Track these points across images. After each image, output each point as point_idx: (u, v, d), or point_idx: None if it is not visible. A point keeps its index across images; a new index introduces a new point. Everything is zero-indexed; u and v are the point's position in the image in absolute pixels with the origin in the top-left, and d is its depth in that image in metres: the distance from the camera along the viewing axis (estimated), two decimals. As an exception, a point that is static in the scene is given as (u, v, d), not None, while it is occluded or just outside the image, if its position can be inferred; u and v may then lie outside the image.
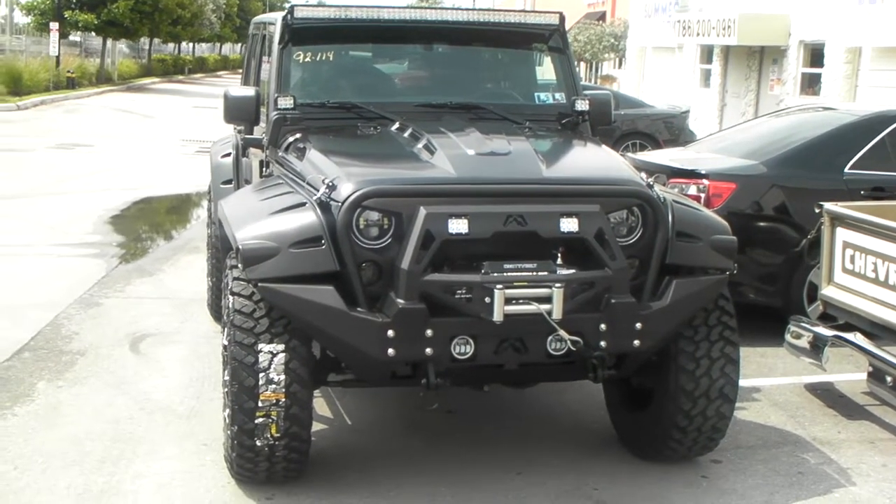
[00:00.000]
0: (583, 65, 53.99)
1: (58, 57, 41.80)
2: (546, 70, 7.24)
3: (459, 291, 5.07)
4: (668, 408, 5.74)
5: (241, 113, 6.76)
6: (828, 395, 7.48)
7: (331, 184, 5.27)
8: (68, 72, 41.49)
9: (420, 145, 5.77)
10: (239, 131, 7.64)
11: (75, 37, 54.36)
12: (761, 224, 8.92)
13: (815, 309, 7.77)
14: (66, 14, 45.99)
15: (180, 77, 63.72)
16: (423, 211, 5.06)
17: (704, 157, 9.64)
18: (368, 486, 5.74)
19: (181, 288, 10.12)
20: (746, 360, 7.99)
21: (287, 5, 6.79)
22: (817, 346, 7.01)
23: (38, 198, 15.46)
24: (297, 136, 6.30)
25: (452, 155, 5.51)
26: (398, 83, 7.24)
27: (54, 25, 42.12)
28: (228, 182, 8.17)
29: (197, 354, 7.95)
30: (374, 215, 5.20)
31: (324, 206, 5.23)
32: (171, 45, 73.00)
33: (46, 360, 7.74)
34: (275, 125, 6.46)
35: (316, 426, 6.51)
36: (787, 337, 7.37)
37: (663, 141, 19.69)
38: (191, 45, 79.71)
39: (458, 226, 5.07)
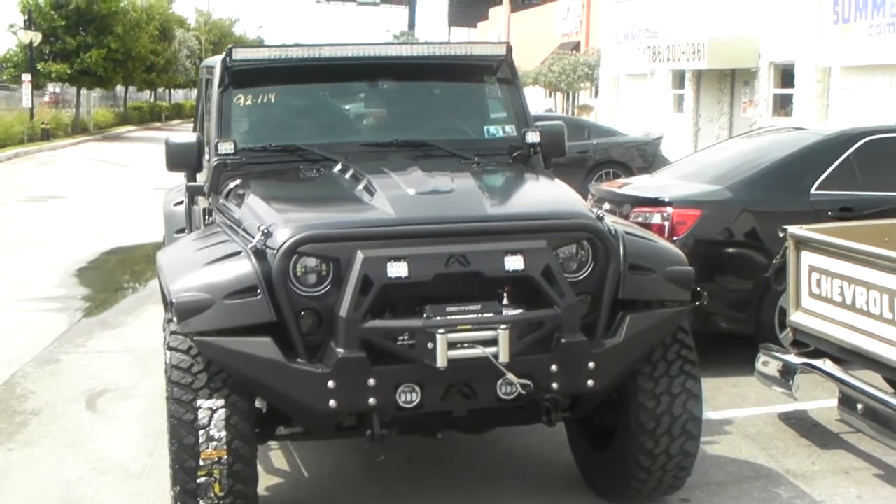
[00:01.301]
0: (559, 95, 54.06)
1: (31, 109, 41.71)
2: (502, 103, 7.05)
3: (401, 337, 4.85)
4: (630, 447, 5.52)
5: (183, 159, 6.58)
6: (801, 425, 7.27)
7: (266, 230, 5.06)
8: (42, 123, 41.35)
9: (360, 186, 5.56)
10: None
11: (55, 87, 54.28)
12: (729, 250, 8.73)
13: (787, 335, 7.57)
14: (40, 66, 45.86)
15: (157, 124, 63.57)
16: (360, 255, 4.85)
17: (669, 184, 9.47)
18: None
19: (144, 340, 9.89)
20: (718, 391, 7.84)
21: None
22: (787, 374, 6.81)
23: (4, 252, 15.25)
24: (238, 181, 6.10)
25: (392, 196, 5.31)
26: (343, 123, 7.01)
27: (27, 77, 42.10)
28: (182, 231, 7.96)
29: (154, 409, 7.71)
30: (312, 261, 4.98)
31: (259, 254, 5.02)
32: (147, 93, 72.89)
33: (-2, 422, 7.52)
34: (215, 171, 6.27)
35: (270, 480, 6.33)
36: (758, 365, 7.17)
37: (637, 169, 19.55)
38: (167, 91, 79.61)
39: (398, 269, 4.86)
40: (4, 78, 48.71)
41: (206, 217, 6.53)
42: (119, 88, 60.50)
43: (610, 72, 39.04)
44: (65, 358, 9.33)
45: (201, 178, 6.71)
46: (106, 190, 24.47)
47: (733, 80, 29.28)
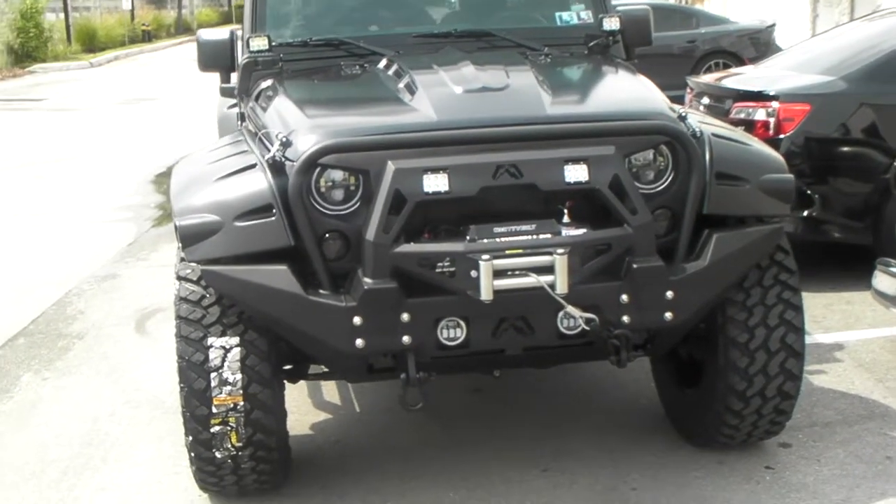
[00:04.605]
0: (670, -16, 52.08)
1: (132, 10, 41.36)
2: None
3: (441, 264, 4.08)
4: (720, 387, 4.70)
5: (215, 59, 5.87)
6: (925, 351, 6.37)
7: (284, 139, 4.30)
8: (143, 25, 41.02)
9: (401, 85, 4.73)
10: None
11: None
12: (844, 149, 7.75)
13: (910, 246, 6.65)
14: (141, -35, 45.54)
15: (262, 23, 62.92)
16: (391, 166, 4.08)
17: (776, 76, 8.46)
18: (363, 495, 4.82)
19: (210, 252, 9.30)
20: (829, 309, 6.99)
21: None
22: (910, 296, 5.88)
23: (87, 158, 14.89)
24: (269, 82, 5.32)
25: (435, 95, 4.48)
26: (395, 12, 6.10)
27: (126, -23, 41.73)
28: (236, 136, 7.27)
29: (205, 332, 7.10)
30: (338, 174, 4.21)
31: (276, 166, 4.26)
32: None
33: (40, 347, 7.02)
34: (244, 70, 5.51)
35: (317, 416, 5.69)
36: (874, 283, 6.19)
37: (748, 59, 18.33)
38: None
39: (436, 182, 4.07)
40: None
41: (239, 123, 5.80)
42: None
43: (722, -43, 37.27)
44: (124, 273, 8.80)
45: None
46: (200, 91, 23.87)
47: (856, -39, 27.52)
